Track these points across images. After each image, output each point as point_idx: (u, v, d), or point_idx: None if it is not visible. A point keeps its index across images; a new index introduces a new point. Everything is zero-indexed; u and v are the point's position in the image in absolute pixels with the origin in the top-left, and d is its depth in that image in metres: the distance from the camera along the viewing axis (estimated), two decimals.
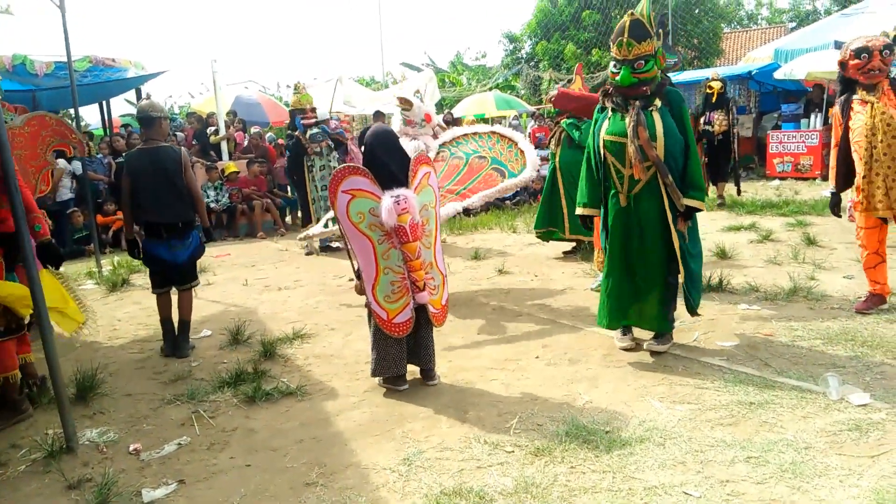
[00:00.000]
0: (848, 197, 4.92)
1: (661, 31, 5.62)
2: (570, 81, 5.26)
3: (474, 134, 5.64)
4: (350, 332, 4.93)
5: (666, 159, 3.72)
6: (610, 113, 3.87)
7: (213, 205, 10.39)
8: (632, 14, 3.67)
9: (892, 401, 3.12)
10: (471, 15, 67.62)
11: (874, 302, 4.52)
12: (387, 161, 3.58)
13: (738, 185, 9.56)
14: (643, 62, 3.68)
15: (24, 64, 9.52)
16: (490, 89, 19.19)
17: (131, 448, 3.22)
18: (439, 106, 16.06)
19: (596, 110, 4.05)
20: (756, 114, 14.43)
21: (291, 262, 7.99)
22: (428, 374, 3.80)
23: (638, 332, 4.19)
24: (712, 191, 9.46)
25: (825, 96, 12.27)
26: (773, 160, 12.76)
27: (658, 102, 3.78)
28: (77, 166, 9.35)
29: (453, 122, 12.43)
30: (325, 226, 6.24)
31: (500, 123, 14.65)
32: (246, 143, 11.88)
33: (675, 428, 3.06)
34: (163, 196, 4.49)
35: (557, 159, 6.62)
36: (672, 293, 3.99)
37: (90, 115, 15.71)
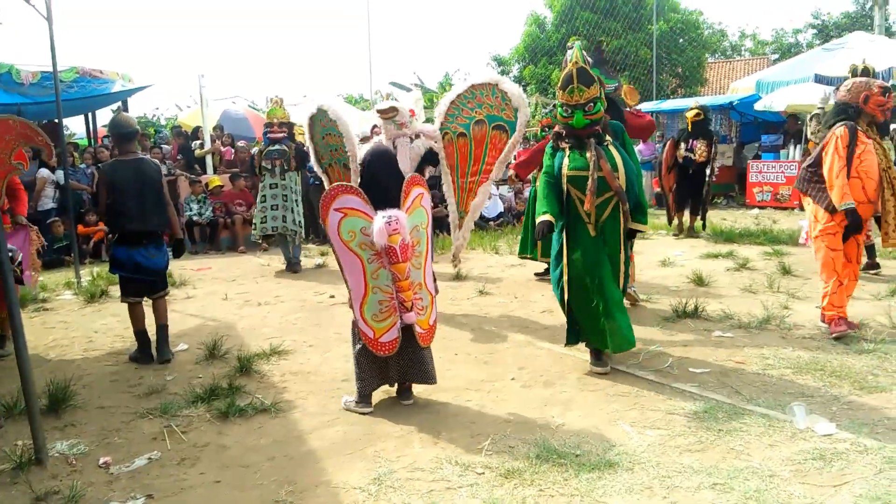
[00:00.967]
0: (805, 221, 5.07)
1: (600, 56, 5.82)
2: (554, 107, 5.33)
3: (458, 98, 5.55)
4: (329, 349, 4.94)
5: (627, 188, 4.06)
6: (568, 151, 4.14)
7: (195, 218, 10.37)
8: (575, 63, 3.98)
9: (857, 431, 3.19)
10: (460, 36, 68.29)
11: (844, 323, 4.67)
12: (383, 181, 3.65)
13: (703, 216, 9.48)
14: (592, 104, 4.03)
15: (10, 73, 9.52)
16: None
17: (101, 461, 3.20)
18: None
19: (548, 151, 4.31)
20: (737, 143, 14.69)
21: (272, 277, 7.97)
22: (403, 393, 3.83)
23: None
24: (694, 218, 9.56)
25: (803, 128, 12.51)
26: (753, 189, 12.98)
27: (608, 137, 4.15)
28: (60, 176, 9.32)
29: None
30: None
31: None
32: (232, 157, 11.88)
33: (645, 453, 3.10)
34: (147, 206, 4.69)
35: (539, 184, 6.72)
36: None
37: (75, 125, 15.65)
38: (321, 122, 5.32)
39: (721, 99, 15.44)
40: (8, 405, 3.78)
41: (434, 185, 6.68)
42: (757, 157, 13.47)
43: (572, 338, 4.30)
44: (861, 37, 14.36)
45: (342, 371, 4.39)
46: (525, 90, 24.31)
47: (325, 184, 5.66)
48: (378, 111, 5.63)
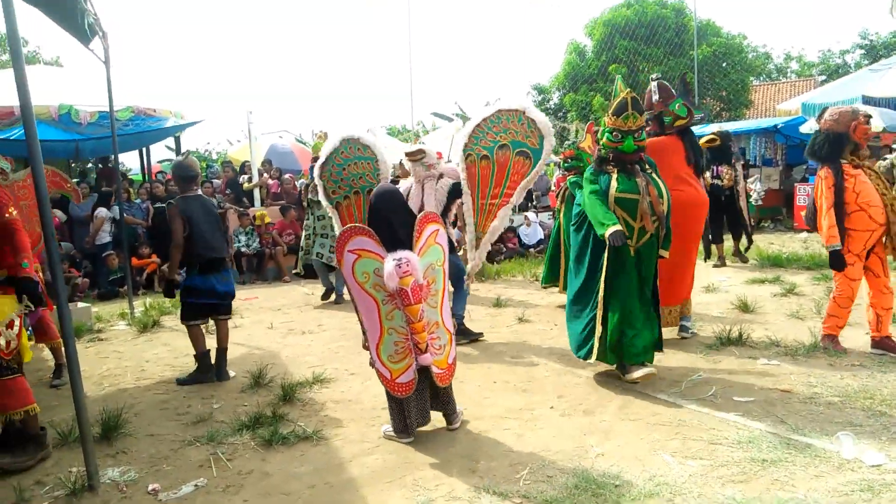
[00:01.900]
0: None
1: (684, 87, 5.84)
2: (576, 138, 5.42)
3: (484, 121, 5.63)
4: (369, 377, 4.99)
5: (666, 214, 4.33)
6: (615, 174, 4.33)
7: (244, 249, 10.67)
8: (629, 91, 4.26)
9: None
10: (500, 65, 68.94)
11: (833, 342, 4.92)
12: (390, 222, 3.62)
13: (749, 237, 9.17)
14: (640, 132, 4.35)
15: (69, 113, 10.02)
16: None
17: (150, 488, 3.31)
18: None
19: (589, 174, 4.47)
20: (783, 166, 14.41)
21: (316, 306, 8.12)
22: (449, 418, 3.86)
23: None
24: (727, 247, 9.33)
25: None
26: (801, 212, 12.66)
27: (648, 167, 4.40)
28: (116, 211, 9.73)
29: None
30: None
31: None
32: (279, 189, 12.22)
33: (686, 484, 3.05)
34: (216, 235, 5.14)
35: (562, 216, 6.83)
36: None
37: (130, 161, 16.32)
38: (343, 153, 5.49)
39: (766, 122, 15.20)
40: (63, 433, 3.94)
41: None
42: (804, 179, 13.19)
43: (583, 352, 4.46)
44: None
45: (381, 399, 4.42)
46: (566, 117, 24.42)
47: (335, 220, 5.78)
48: (406, 154, 5.77)
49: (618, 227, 4.15)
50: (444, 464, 3.43)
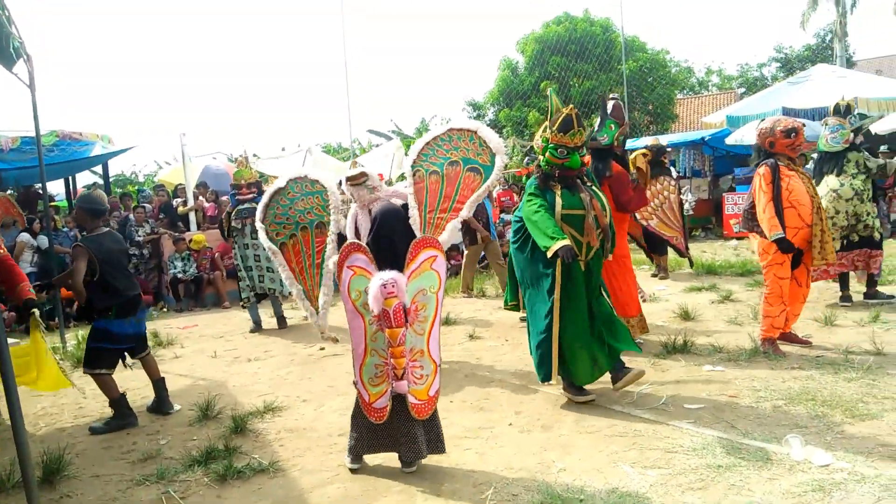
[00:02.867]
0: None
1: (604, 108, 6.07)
2: (530, 152, 5.51)
3: (434, 139, 5.59)
4: (322, 403, 4.92)
5: (609, 225, 4.49)
6: (559, 190, 4.38)
7: (180, 275, 10.35)
8: (572, 108, 4.33)
9: (853, 460, 3.23)
10: (435, 82, 69.57)
11: (773, 345, 5.13)
12: (390, 242, 3.57)
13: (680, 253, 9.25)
14: (583, 147, 4.44)
15: None
16: None
17: None
18: None
19: (533, 189, 4.47)
20: (711, 177, 15.02)
21: (261, 331, 7.92)
22: (406, 462, 3.59)
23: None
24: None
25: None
26: (730, 221, 13.23)
27: (588, 180, 4.53)
28: (42, 241, 9.27)
29: None
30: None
31: None
32: (216, 212, 11.92)
33: (647, 493, 3.11)
34: (127, 273, 4.96)
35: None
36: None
37: (54, 188, 15.62)
38: (290, 193, 5.30)
39: (693, 135, 15.83)
40: (1, 478, 3.71)
41: None
42: (731, 189, 13.78)
43: (544, 374, 4.38)
44: (824, 69, 14.88)
45: (337, 425, 4.37)
46: (501, 133, 24.76)
47: (278, 262, 5.57)
48: (348, 179, 5.61)
49: (566, 241, 4.11)
50: (407, 489, 3.39)
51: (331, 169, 13.92)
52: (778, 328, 5.17)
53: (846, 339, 5.25)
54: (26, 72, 6.62)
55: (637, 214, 8.95)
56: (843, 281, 6.73)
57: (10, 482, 3.66)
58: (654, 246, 9.31)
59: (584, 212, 4.34)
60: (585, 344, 4.31)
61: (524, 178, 7.14)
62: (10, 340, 7.03)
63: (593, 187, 4.52)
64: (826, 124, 6.54)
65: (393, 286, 3.33)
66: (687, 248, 9.22)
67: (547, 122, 4.52)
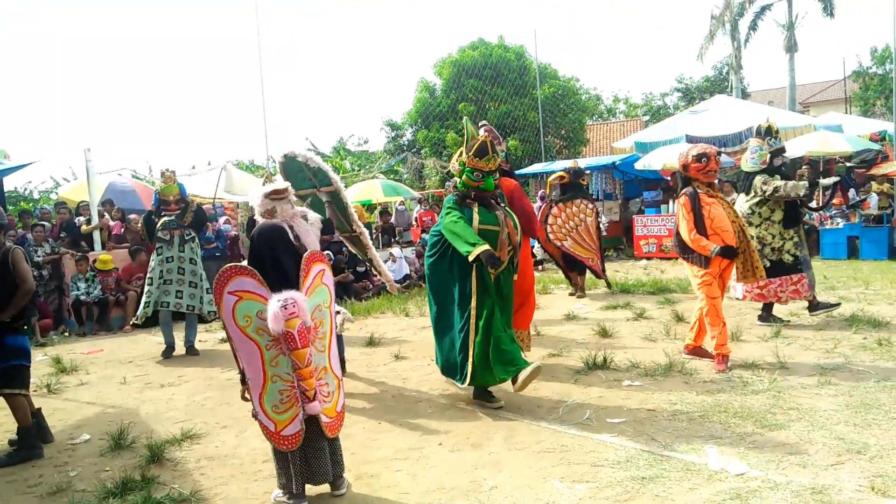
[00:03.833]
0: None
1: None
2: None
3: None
4: (244, 428, 4.74)
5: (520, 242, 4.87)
6: (476, 208, 4.73)
7: (83, 297, 9.78)
8: (486, 135, 4.80)
9: (766, 468, 3.43)
10: (352, 102, 69.43)
11: (724, 361, 5.26)
12: (275, 261, 3.39)
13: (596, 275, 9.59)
14: (496, 171, 4.83)
15: None
16: (374, 176, 19.61)
17: None
18: None
19: (452, 204, 4.77)
20: (622, 200, 15.69)
21: (173, 355, 7.57)
22: (335, 482, 3.52)
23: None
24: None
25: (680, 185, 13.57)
26: (640, 242, 13.84)
27: (501, 201, 4.92)
28: None
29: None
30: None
31: (387, 209, 14.97)
32: (122, 231, 11.37)
33: None
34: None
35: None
36: None
37: None
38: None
39: (605, 159, 16.49)
40: None
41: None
42: (641, 211, 14.43)
43: (462, 378, 4.69)
44: (723, 99, 15.88)
45: (261, 451, 4.23)
46: (420, 153, 24.97)
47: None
48: (274, 192, 5.47)
49: (487, 247, 4.44)
50: None
51: (247, 185, 13.58)
52: (722, 343, 5.28)
53: (752, 354, 5.57)
54: None
55: (551, 235, 9.22)
56: (766, 305, 6.84)
57: None
58: (573, 265, 9.59)
59: (498, 228, 4.72)
60: (490, 350, 4.56)
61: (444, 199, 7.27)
62: None
63: (507, 207, 4.94)
64: (749, 145, 6.78)
65: (294, 306, 3.20)
66: (603, 270, 9.55)
67: (463, 147, 4.87)
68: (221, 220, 12.67)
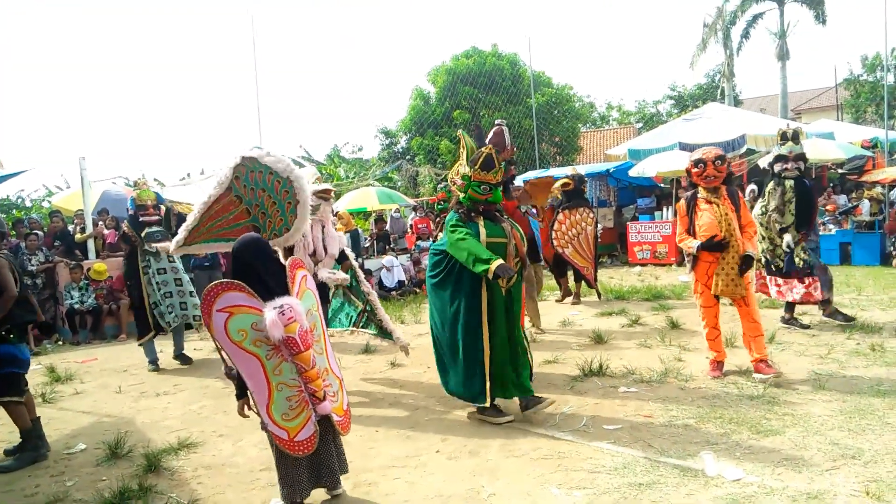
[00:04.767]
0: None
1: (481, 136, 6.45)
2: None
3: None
4: (241, 437, 4.74)
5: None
6: (482, 221, 4.59)
7: (77, 306, 9.76)
8: (490, 147, 4.63)
9: (762, 474, 3.45)
10: (347, 109, 69.48)
11: (719, 368, 5.33)
12: (261, 271, 3.37)
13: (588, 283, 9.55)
14: (502, 183, 4.81)
15: None
16: (368, 184, 19.64)
17: None
18: None
19: (456, 221, 4.59)
20: (616, 207, 15.75)
21: (168, 364, 7.56)
22: (332, 485, 3.55)
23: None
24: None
25: (674, 192, 13.66)
26: (634, 248, 13.89)
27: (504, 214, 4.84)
28: None
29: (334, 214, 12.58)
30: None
31: (382, 216, 14.99)
32: (116, 240, 11.34)
33: None
34: (27, 297, 4.71)
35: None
36: None
37: None
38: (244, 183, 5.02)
39: (599, 167, 16.57)
40: None
41: None
42: (635, 218, 14.49)
43: (482, 397, 4.53)
44: (716, 107, 15.99)
45: (258, 459, 4.23)
46: (413, 160, 25.01)
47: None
48: (323, 191, 5.55)
49: (501, 260, 4.29)
50: None
51: None
52: (716, 351, 5.36)
53: (746, 360, 5.58)
54: None
55: (555, 241, 9.26)
56: (788, 304, 6.81)
57: None
58: (563, 271, 9.64)
59: (506, 240, 4.58)
60: (503, 366, 4.53)
61: (436, 205, 7.28)
62: None
63: (510, 218, 4.85)
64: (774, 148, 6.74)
65: (291, 310, 3.24)
66: (596, 280, 9.56)
67: (462, 161, 4.68)
68: None
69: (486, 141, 6.16)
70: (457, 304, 4.57)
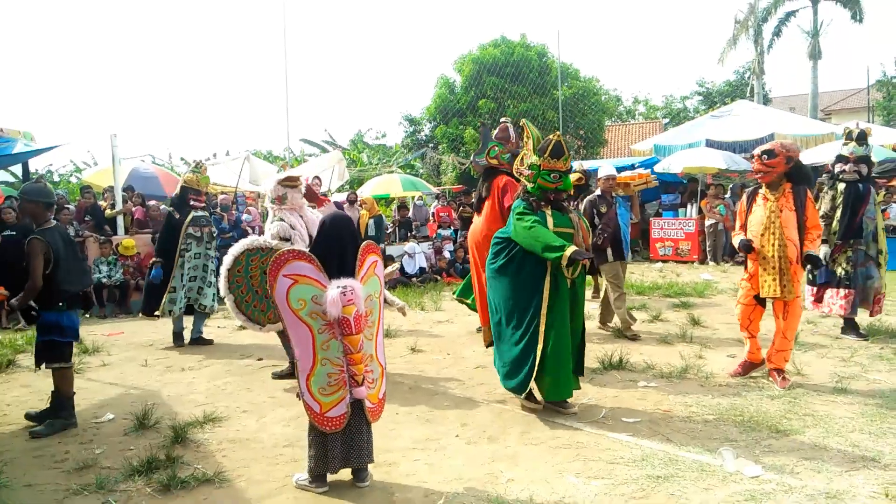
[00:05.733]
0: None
1: (487, 131, 6.48)
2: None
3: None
4: (264, 414, 4.84)
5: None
6: (549, 211, 4.52)
7: (105, 280, 9.95)
8: (558, 133, 4.55)
9: (780, 471, 3.47)
10: (372, 95, 69.53)
11: (746, 367, 5.28)
12: (340, 249, 3.47)
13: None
14: (571, 171, 4.73)
15: None
16: (391, 171, 19.70)
17: None
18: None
19: (523, 209, 4.51)
20: (639, 202, 15.62)
21: (186, 344, 7.66)
22: (359, 474, 3.60)
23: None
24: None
25: (699, 188, 13.55)
26: (656, 244, 13.82)
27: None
28: None
29: (355, 200, 12.65)
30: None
31: (405, 203, 15.05)
32: (144, 217, 11.52)
33: (592, 503, 3.24)
34: (80, 266, 5.00)
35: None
36: None
37: None
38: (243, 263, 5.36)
39: (623, 161, 16.44)
40: None
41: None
42: (658, 214, 14.40)
43: (522, 389, 4.48)
44: (745, 105, 15.80)
45: (282, 436, 4.33)
46: (437, 149, 25.00)
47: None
48: (287, 179, 5.47)
49: (575, 247, 4.23)
50: (359, 498, 3.41)
51: (270, 176, 13.72)
52: (749, 352, 5.24)
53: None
54: None
55: None
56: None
57: None
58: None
59: (573, 230, 4.55)
60: (565, 361, 4.43)
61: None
62: None
63: (577, 210, 4.86)
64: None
65: (352, 293, 3.32)
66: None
67: (528, 149, 4.64)
68: (242, 210, 12.78)
69: (493, 136, 6.28)
70: (516, 294, 4.51)
